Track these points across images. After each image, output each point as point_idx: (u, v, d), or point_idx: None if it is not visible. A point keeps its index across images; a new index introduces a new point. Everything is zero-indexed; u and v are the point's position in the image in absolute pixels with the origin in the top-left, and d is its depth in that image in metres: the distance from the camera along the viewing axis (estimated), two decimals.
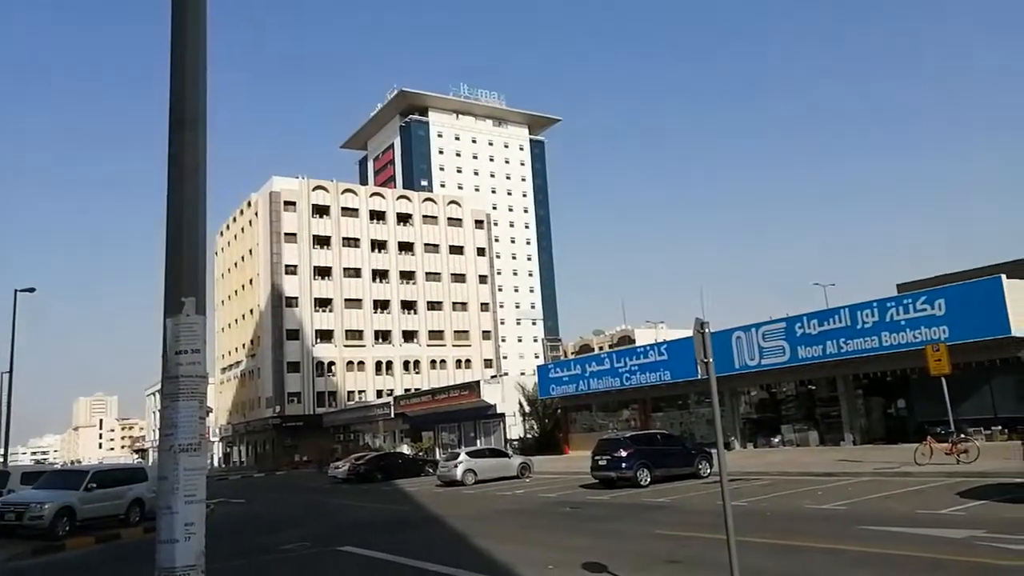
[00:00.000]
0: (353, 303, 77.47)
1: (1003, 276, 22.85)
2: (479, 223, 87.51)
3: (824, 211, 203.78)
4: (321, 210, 77.74)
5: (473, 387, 49.28)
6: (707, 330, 7.96)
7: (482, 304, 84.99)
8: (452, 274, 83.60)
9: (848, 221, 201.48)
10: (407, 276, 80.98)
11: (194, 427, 3.39)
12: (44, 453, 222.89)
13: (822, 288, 60.13)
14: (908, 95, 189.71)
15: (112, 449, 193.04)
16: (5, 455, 33.95)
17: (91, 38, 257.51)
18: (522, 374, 56.35)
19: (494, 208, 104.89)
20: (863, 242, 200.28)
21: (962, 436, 19.73)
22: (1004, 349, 22.79)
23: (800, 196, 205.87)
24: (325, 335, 75.68)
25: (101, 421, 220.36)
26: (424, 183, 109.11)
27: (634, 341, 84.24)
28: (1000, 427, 23.47)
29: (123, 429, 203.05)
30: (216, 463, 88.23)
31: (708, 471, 22.59)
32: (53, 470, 26.93)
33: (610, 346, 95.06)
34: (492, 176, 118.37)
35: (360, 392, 75.13)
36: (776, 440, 30.37)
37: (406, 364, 78.92)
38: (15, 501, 17.65)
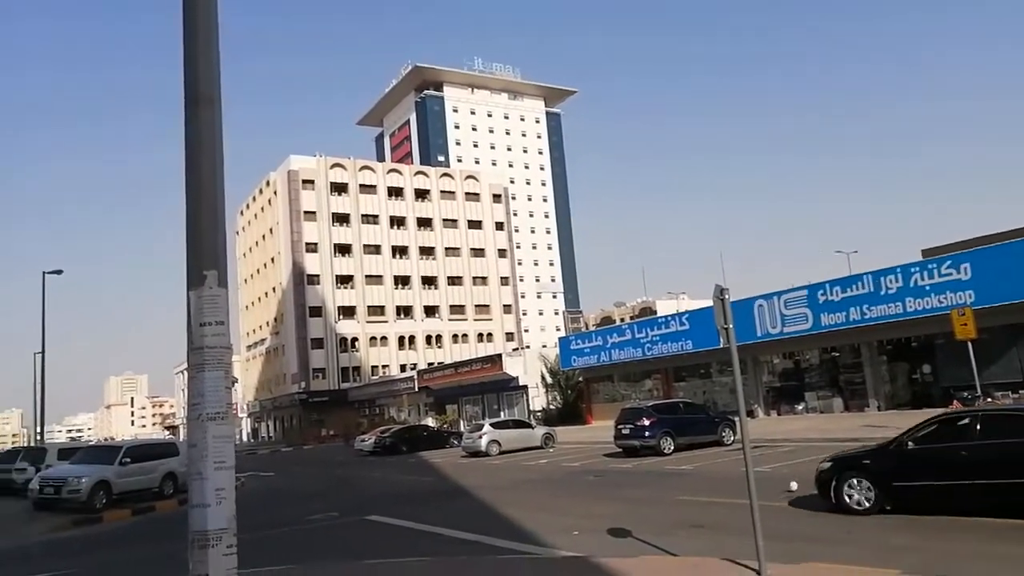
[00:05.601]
0: (374, 279, 77.95)
1: None
2: (497, 197, 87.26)
3: (846, 178, 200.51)
4: (339, 187, 77.92)
5: (496, 359, 49.53)
6: (727, 296, 7.93)
7: (502, 278, 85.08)
8: (471, 249, 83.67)
9: (871, 188, 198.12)
10: (427, 252, 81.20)
11: (221, 396, 3.46)
12: (79, 431, 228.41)
13: (845, 256, 59.16)
14: (931, 57, 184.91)
15: (144, 426, 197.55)
16: (42, 432, 34.90)
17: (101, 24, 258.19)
18: (544, 347, 56.50)
19: (512, 182, 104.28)
20: (887, 208, 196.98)
21: (988, 400, 19.52)
22: None
23: (822, 164, 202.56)
24: (347, 311, 76.33)
25: (132, 399, 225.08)
26: (441, 158, 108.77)
27: (655, 312, 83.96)
28: None
29: (154, 407, 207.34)
30: (245, 438, 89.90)
31: (731, 439, 22.66)
32: (88, 446, 27.60)
33: (631, 317, 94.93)
34: (509, 150, 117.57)
35: (384, 367, 75.91)
36: (800, 407, 30.28)
37: (428, 339, 79.47)
38: (53, 476, 18.19)
